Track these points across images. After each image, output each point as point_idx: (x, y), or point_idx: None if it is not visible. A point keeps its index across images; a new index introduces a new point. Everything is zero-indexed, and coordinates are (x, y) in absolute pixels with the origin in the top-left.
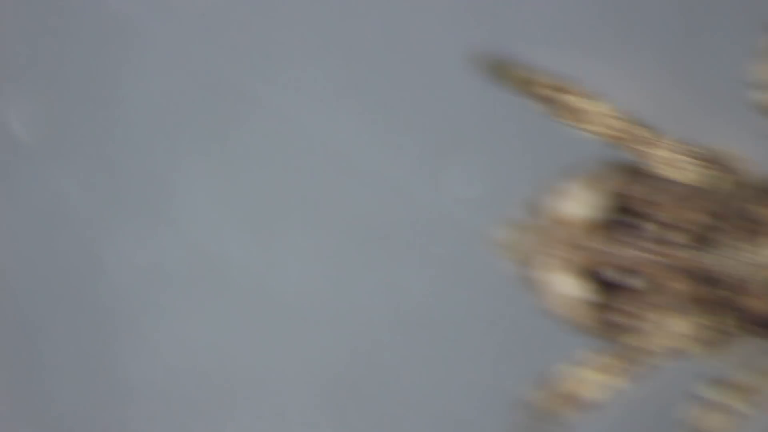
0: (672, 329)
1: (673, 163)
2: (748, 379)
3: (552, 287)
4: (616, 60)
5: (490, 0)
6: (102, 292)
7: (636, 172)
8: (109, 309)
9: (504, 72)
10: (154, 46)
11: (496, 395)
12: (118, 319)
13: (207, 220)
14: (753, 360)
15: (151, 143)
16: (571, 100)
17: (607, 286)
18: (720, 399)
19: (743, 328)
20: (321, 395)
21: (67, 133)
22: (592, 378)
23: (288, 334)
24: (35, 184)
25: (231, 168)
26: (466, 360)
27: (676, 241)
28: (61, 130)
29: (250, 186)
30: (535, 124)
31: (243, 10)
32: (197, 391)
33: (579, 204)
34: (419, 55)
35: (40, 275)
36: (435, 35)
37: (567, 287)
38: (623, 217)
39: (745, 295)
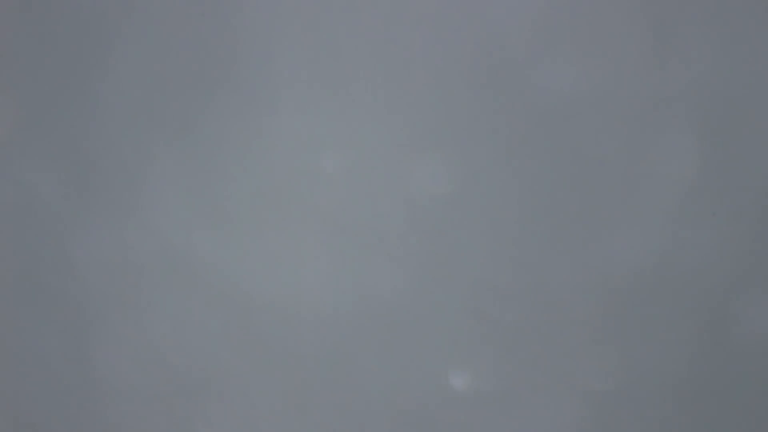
0: None
1: None
2: None
3: None
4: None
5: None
6: (72, 287)
7: None
8: (79, 304)
9: None
10: (127, 43)
11: (464, 392)
12: (87, 314)
13: (177, 216)
14: None
15: (122, 139)
16: None
17: None
18: None
19: None
20: (290, 391)
21: (38, 128)
22: None
23: (258, 330)
24: (5, 178)
25: (201, 164)
26: (436, 357)
27: None
28: (32, 125)
29: (220, 182)
30: (509, 121)
31: (216, 7)
32: (167, 387)
33: None
34: (391, 51)
35: (9, 270)
36: (408, 32)
37: None
38: None
39: None
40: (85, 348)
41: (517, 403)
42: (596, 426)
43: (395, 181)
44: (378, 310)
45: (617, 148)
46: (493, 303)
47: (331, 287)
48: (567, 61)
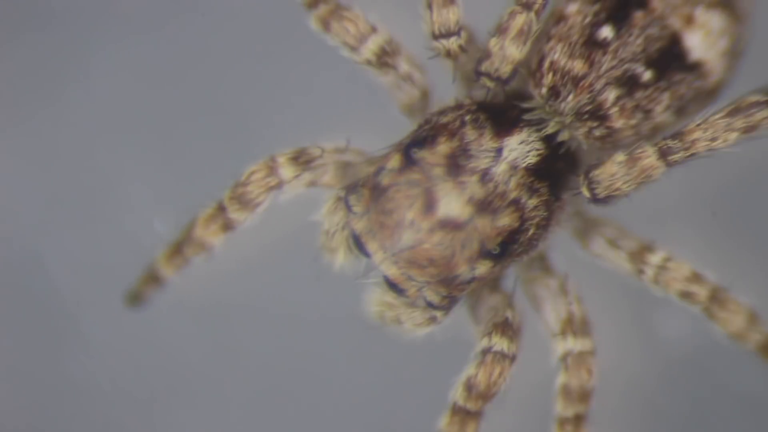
0: None
1: None
2: None
3: None
4: None
5: None
6: (43, 290)
7: None
8: (50, 307)
9: None
10: (99, 43)
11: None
12: (58, 316)
13: (148, 218)
14: None
15: (93, 140)
16: None
17: None
18: None
19: None
20: (262, 393)
21: (10, 128)
22: None
23: (230, 331)
24: None
25: (173, 165)
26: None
27: None
28: (3, 125)
29: (192, 183)
30: None
31: (187, 11)
32: (138, 389)
33: None
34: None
35: None
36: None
37: None
38: None
39: None
40: (56, 350)
41: None
42: None
43: None
44: (354, 314)
45: None
46: None
47: (303, 290)
48: None
